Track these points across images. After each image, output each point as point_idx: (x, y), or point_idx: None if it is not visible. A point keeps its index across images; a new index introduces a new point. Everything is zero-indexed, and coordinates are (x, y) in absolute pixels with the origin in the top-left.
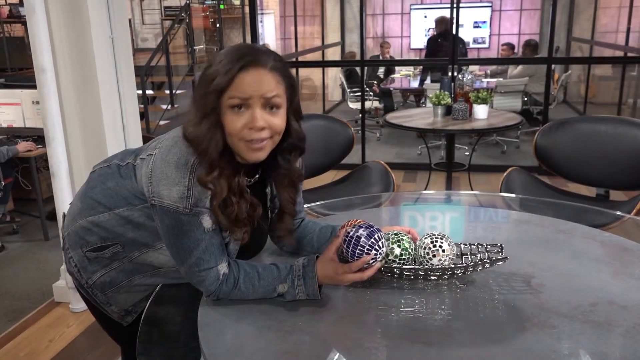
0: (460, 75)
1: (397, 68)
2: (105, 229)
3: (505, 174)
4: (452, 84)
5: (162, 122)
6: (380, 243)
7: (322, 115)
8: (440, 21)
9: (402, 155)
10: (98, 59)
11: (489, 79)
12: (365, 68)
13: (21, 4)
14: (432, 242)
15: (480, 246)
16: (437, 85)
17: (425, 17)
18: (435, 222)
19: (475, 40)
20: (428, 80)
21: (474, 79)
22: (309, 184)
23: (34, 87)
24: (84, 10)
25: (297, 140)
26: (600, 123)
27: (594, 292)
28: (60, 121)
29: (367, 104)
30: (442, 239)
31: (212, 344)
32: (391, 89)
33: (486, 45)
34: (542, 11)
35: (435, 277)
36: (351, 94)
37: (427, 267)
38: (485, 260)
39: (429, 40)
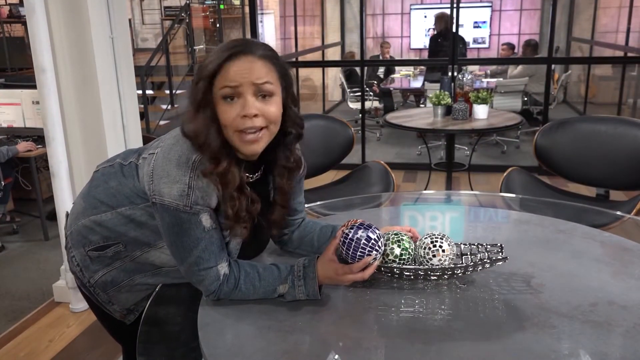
0: (460, 75)
1: (397, 68)
2: (108, 228)
3: (505, 174)
4: (452, 84)
5: (162, 122)
6: (380, 243)
7: (322, 115)
8: (439, 18)
9: (402, 155)
10: (98, 59)
11: (489, 79)
12: (365, 68)
13: (21, 4)
14: (432, 242)
15: (480, 246)
16: (437, 85)
17: (425, 17)
18: (435, 222)
19: (475, 40)
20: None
21: (474, 79)
22: (309, 184)
23: (34, 87)
24: (84, 10)
25: (297, 128)
26: (600, 123)
27: (594, 292)
28: (60, 121)
29: (367, 104)
30: (442, 239)
31: (212, 344)
32: (391, 89)
33: (486, 45)
34: (542, 11)
35: (435, 277)
36: (351, 94)
37: (427, 267)
38: (485, 260)
39: (431, 39)
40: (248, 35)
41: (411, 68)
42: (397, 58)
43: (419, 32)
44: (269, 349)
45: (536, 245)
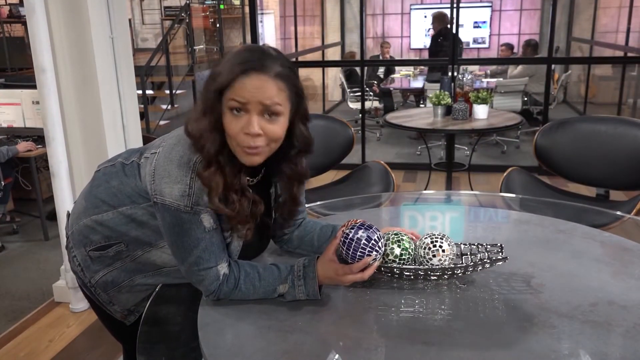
0: (460, 76)
1: (397, 68)
2: (109, 227)
3: (505, 174)
4: (452, 84)
5: (162, 122)
6: (380, 243)
7: (322, 115)
8: (437, 18)
9: (402, 155)
10: (98, 59)
11: (489, 79)
12: (365, 68)
13: (21, 4)
14: (432, 242)
15: (480, 246)
16: (436, 85)
17: (425, 17)
18: (435, 222)
19: (475, 40)
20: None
21: (474, 79)
22: (309, 184)
23: (34, 87)
24: (84, 10)
25: (303, 145)
26: (600, 123)
27: (594, 292)
28: (60, 121)
29: (367, 104)
30: (442, 239)
31: (212, 344)
32: (391, 89)
33: (486, 45)
34: (542, 11)
35: (435, 277)
36: (351, 94)
37: (427, 267)
38: (485, 260)
39: (431, 39)
40: (248, 36)
41: (411, 68)
42: (397, 58)
43: (419, 32)
44: (269, 349)
45: (536, 245)
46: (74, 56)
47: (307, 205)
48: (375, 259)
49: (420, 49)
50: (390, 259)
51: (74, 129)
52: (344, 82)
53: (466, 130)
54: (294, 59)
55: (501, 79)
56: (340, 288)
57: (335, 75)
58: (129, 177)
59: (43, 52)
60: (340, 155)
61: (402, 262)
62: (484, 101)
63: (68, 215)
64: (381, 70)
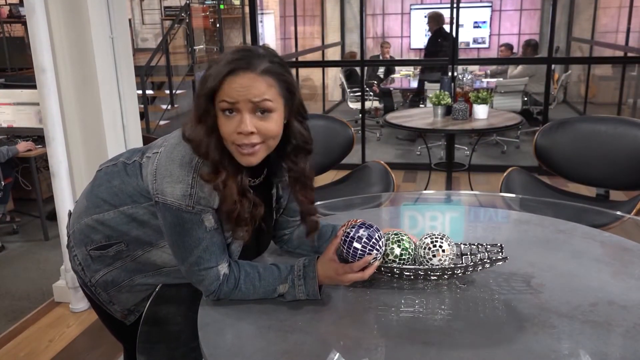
0: (460, 75)
1: (397, 68)
2: (110, 227)
3: (505, 174)
4: (452, 84)
5: (162, 122)
6: (380, 243)
7: (322, 115)
8: (432, 18)
9: (402, 155)
10: (98, 59)
11: (489, 79)
12: (365, 68)
13: (21, 4)
14: (432, 242)
15: (480, 246)
16: (435, 85)
17: (425, 17)
18: (435, 222)
19: (475, 40)
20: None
21: (474, 79)
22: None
23: (34, 87)
24: (84, 10)
25: (301, 142)
26: (600, 123)
27: (594, 292)
28: (60, 121)
29: (367, 104)
30: (442, 239)
31: (212, 343)
32: (391, 89)
33: (486, 45)
34: (542, 11)
35: (435, 277)
36: (351, 94)
37: (427, 267)
38: (485, 260)
39: (428, 39)
40: (248, 36)
41: (411, 68)
42: (397, 58)
43: (419, 32)
44: (269, 348)
45: (536, 245)
46: (74, 56)
47: None
48: (375, 258)
49: (420, 49)
50: (390, 259)
51: (74, 129)
52: (344, 82)
53: (466, 130)
54: (294, 59)
55: (501, 79)
56: (340, 288)
57: (335, 75)
58: (130, 176)
59: (43, 52)
60: (340, 155)
61: (402, 262)
62: (484, 101)
63: (69, 214)
64: (381, 70)
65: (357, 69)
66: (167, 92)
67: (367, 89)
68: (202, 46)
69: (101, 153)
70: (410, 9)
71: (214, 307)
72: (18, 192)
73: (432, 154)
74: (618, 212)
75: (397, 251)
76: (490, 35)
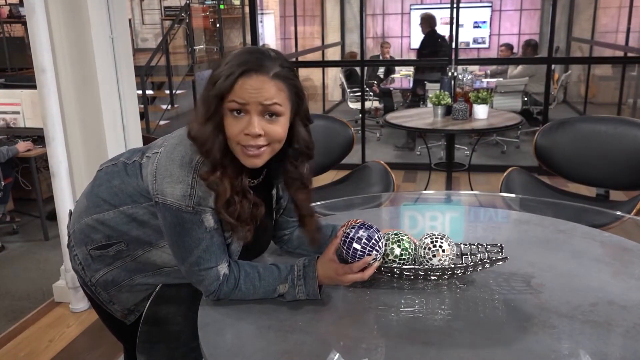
0: (460, 75)
1: (397, 68)
2: (110, 227)
3: (505, 174)
4: (452, 84)
5: (162, 122)
6: (380, 243)
7: (322, 115)
8: (424, 19)
9: (402, 155)
10: (98, 59)
11: (489, 79)
12: (365, 68)
13: (21, 4)
14: (432, 242)
15: (480, 246)
16: (435, 85)
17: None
18: (435, 222)
19: (475, 40)
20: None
21: (474, 79)
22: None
23: (34, 87)
24: (84, 10)
25: (304, 147)
26: (600, 123)
27: (594, 292)
28: (60, 121)
29: (367, 104)
30: (442, 239)
31: (212, 343)
32: (391, 89)
33: (486, 45)
34: (542, 11)
35: (435, 277)
36: (351, 94)
37: (427, 267)
38: (485, 260)
39: (421, 41)
40: (248, 36)
41: (411, 68)
42: (397, 58)
43: (419, 32)
44: (269, 348)
45: (536, 245)
46: (74, 56)
47: None
48: (375, 259)
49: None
50: (390, 259)
51: (74, 129)
52: (344, 82)
53: (466, 130)
54: (294, 59)
55: (501, 79)
56: (340, 288)
57: (335, 75)
58: (130, 176)
59: (43, 52)
60: (340, 155)
61: (402, 262)
62: (484, 101)
63: (70, 214)
64: (381, 70)
65: (357, 69)
66: (167, 92)
67: (367, 89)
68: (202, 46)
69: (101, 153)
70: (410, 9)
71: (214, 307)
72: (18, 192)
73: (432, 154)
74: (618, 212)
75: (397, 251)
76: (490, 35)
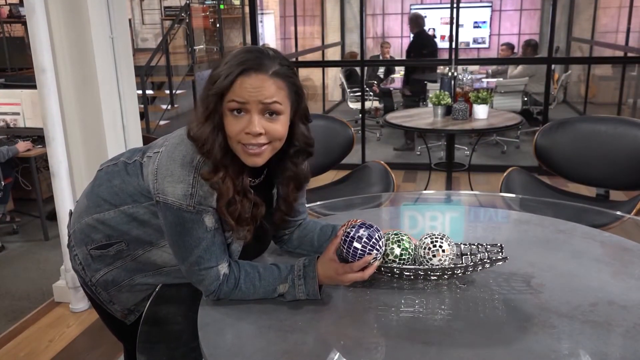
0: (460, 75)
1: (397, 68)
2: (111, 226)
3: (505, 174)
4: (452, 84)
5: (162, 122)
6: (380, 243)
7: (322, 115)
8: (412, 20)
9: (402, 155)
10: (98, 59)
11: (489, 79)
12: (365, 68)
13: (21, 4)
14: (432, 242)
15: (480, 246)
16: (435, 85)
17: (425, 17)
18: (435, 222)
19: (475, 40)
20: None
21: (474, 79)
22: (309, 184)
23: (34, 87)
24: (84, 10)
25: (304, 144)
26: (600, 123)
27: (594, 292)
28: (60, 121)
29: (367, 104)
30: (442, 239)
31: (212, 343)
32: (391, 89)
33: (486, 45)
34: (542, 11)
35: (435, 277)
36: (351, 94)
37: (427, 267)
38: (485, 260)
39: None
40: (248, 36)
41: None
42: (397, 58)
43: None
44: (269, 348)
45: (536, 245)
46: (74, 56)
47: (307, 205)
48: (375, 258)
49: None
50: (390, 259)
51: (74, 129)
52: (344, 82)
53: (466, 130)
54: (294, 59)
55: (501, 79)
56: (340, 288)
57: (335, 75)
58: (131, 176)
59: (43, 52)
60: (340, 155)
61: (402, 262)
62: (484, 101)
63: (70, 214)
64: (381, 70)
65: (357, 69)
66: (167, 92)
67: (367, 89)
68: (202, 46)
69: (101, 153)
70: (410, 9)
71: (214, 307)
72: (18, 192)
73: (432, 154)
74: (618, 212)
75: (397, 251)
76: (490, 35)
